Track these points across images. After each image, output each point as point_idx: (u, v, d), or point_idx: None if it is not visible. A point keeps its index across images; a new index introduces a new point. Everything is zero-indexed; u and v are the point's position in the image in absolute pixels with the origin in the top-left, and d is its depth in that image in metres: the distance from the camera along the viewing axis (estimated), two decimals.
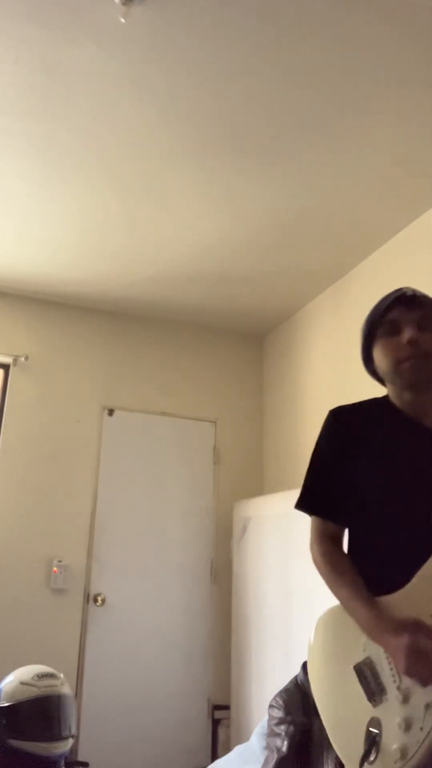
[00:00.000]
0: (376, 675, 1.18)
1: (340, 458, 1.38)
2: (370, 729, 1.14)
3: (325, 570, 1.32)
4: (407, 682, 1.13)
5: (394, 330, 1.33)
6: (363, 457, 1.34)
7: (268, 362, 4.54)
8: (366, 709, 1.16)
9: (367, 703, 1.17)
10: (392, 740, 1.10)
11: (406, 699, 1.12)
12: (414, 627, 1.11)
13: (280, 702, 2.12)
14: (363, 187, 2.85)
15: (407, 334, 1.30)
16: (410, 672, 1.10)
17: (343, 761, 1.19)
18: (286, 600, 3.19)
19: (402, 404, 1.36)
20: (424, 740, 1.07)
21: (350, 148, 2.60)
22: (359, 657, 1.21)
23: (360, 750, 1.14)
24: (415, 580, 1.18)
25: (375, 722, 1.14)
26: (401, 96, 2.33)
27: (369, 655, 1.20)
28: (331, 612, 1.32)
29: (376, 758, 1.11)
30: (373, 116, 2.43)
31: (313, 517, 1.40)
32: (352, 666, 1.21)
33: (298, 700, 2.09)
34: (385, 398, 1.41)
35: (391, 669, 1.16)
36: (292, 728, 2.00)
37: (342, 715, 1.21)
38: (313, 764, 1.89)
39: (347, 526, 1.38)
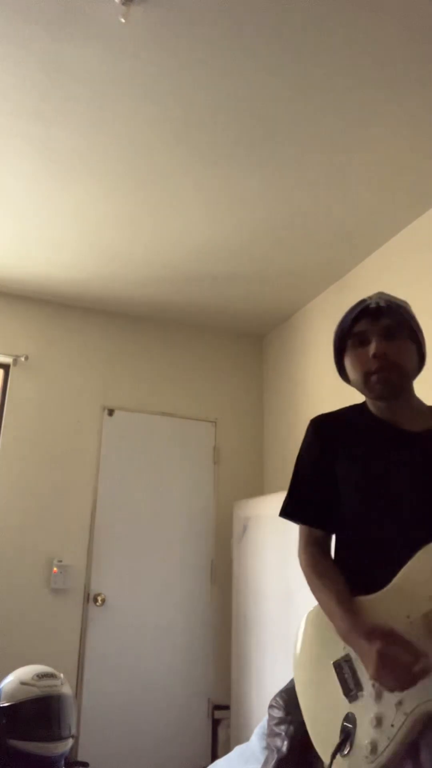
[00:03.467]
0: (353, 672, 1.21)
1: (320, 466, 1.41)
2: (345, 723, 1.18)
3: (308, 574, 1.37)
4: None
5: (362, 342, 1.35)
6: (342, 463, 1.37)
7: (267, 362, 4.54)
8: (342, 704, 1.21)
9: (344, 698, 1.21)
10: (365, 735, 1.15)
11: (379, 696, 1.16)
12: (386, 634, 1.14)
13: (280, 702, 2.12)
14: (363, 187, 2.85)
15: (373, 346, 1.32)
16: (378, 678, 1.13)
17: (318, 752, 1.23)
18: (286, 600, 3.19)
19: (376, 411, 1.39)
20: (394, 736, 1.11)
21: (350, 148, 2.60)
22: (339, 653, 1.25)
23: (335, 742, 1.18)
24: (394, 581, 1.20)
25: (350, 717, 1.18)
26: (401, 96, 2.33)
27: (348, 652, 1.23)
28: (318, 609, 1.36)
29: (350, 752, 1.16)
30: (374, 116, 2.43)
31: (299, 524, 1.45)
32: (331, 662, 1.26)
33: (298, 700, 2.09)
34: (363, 404, 1.45)
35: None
36: (292, 728, 2.00)
37: (320, 707, 1.26)
38: (313, 764, 1.89)
39: (332, 532, 1.42)
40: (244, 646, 3.56)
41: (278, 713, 2.10)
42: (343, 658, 1.24)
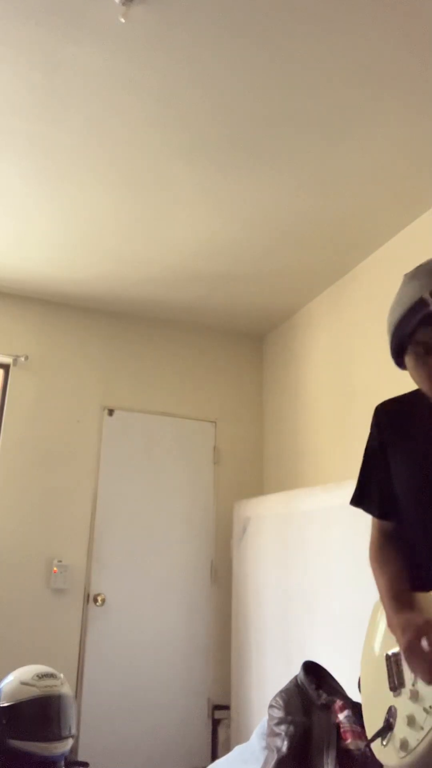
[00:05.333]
0: (399, 667, 1.23)
1: (378, 455, 1.39)
2: (387, 715, 1.21)
3: (371, 562, 1.37)
4: (420, 683, 1.17)
5: (427, 351, 1.22)
6: (395, 452, 1.34)
7: (268, 362, 4.54)
8: (388, 696, 1.24)
9: (389, 691, 1.24)
10: (399, 731, 1.18)
11: (414, 697, 1.17)
12: (419, 626, 1.14)
13: (280, 702, 2.12)
14: (363, 187, 2.85)
15: None
16: (411, 669, 1.14)
17: (367, 734, 1.27)
18: (285, 600, 3.19)
19: None
20: (423, 739, 1.12)
21: (350, 148, 2.60)
22: (393, 647, 1.26)
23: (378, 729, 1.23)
24: None
25: (392, 711, 1.21)
26: (401, 96, 2.33)
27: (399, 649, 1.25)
28: None
29: (388, 743, 1.19)
30: (373, 116, 2.43)
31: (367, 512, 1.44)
32: (385, 654, 1.28)
33: (298, 700, 2.09)
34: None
35: None
36: (292, 728, 2.00)
37: (373, 693, 1.30)
38: (313, 764, 1.89)
39: (395, 521, 1.39)
40: (244, 646, 3.56)
41: (278, 713, 2.10)
42: (395, 651, 1.25)
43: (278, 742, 2.02)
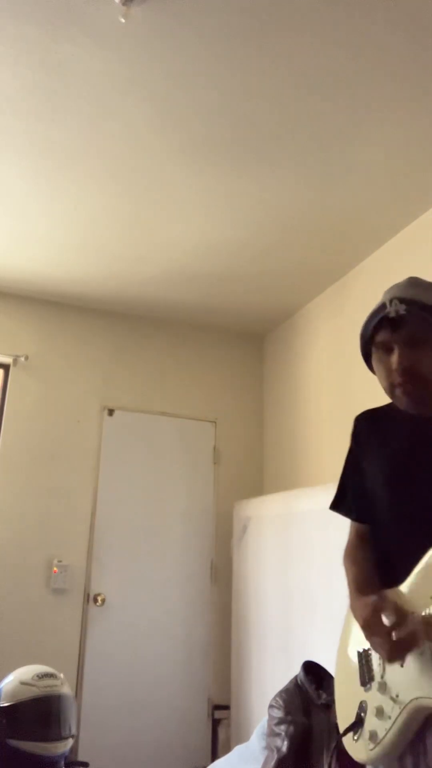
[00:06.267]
0: (369, 661, 1.27)
1: (355, 461, 1.46)
2: (359, 711, 1.25)
3: (344, 561, 1.44)
4: (388, 672, 1.21)
5: (385, 350, 1.30)
6: (371, 460, 1.40)
7: (268, 362, 4.54)
8: (359, 692, 1.28)
9: (360, 686, 1.28)
10: (369, 724, 1.22)
11: (382, 688, 1.21)
12: (375, 605, 1.18)
13: (280, 702, 2.12)
14: (363, 187, 2.85)
15: (395, 359, 1.26)
16: (372, 645, 1.20)
17: (340, 731, 1.31)
18: (286, 600, 3.19)
19: (404, 409, 1.37)
20: (390, 728, 1.17)
21: (350, 148, 2.60)
22: (365, 644, 1.29)
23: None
24: (412, 575, 1.21)
25: (363, 705, 1.25)
26: (402, 96, 2.32)
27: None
28: None
29: (359, 738, 1.23)
30: (373, 116, 2.43)
31: (344, 516, 1.52)
32: (357, 650, 1.32)
33: (298, 700, 2.10)
34: None
35: (380, 659, 1.24)
36: (292, 728, 2.00)
37: (346, 691, 1.34)
38: (312, 764, 1.90)
39: (371, 523, 1.44)
40: (244, 646, 3.56)
41: (278, 713, 2.10)
42: (365, 647, 1.29)
43: (278, 742, 2.02)
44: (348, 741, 1.26)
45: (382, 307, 1.30)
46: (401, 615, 1.13)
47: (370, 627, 1.17)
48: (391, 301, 1.28)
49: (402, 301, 1.27)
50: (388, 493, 1.33)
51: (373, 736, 1.19)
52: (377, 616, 1.16)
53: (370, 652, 1.27)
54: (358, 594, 1.29)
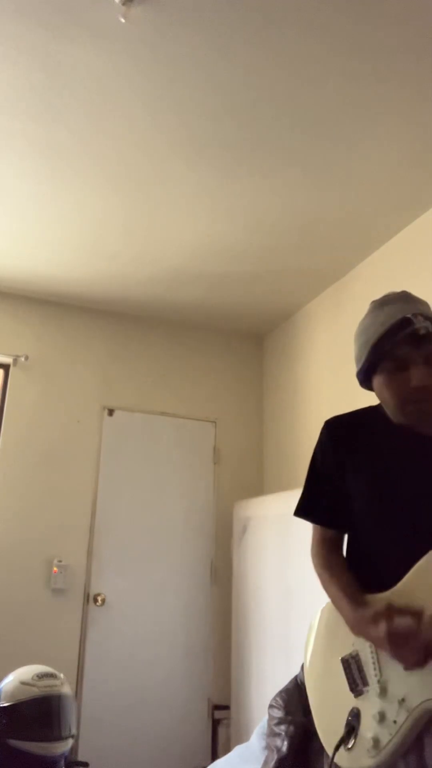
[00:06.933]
0: (360, 668, 1.23)
1: (332, 467, 1.42)
2: (349, 718, 1.21)
3: (319, 571, 1.39)
4: (386, 675, 1.18)
5: (400, 367, 1.27)
6: (356, 466, 1.37)
7: (268, 362, 4.54)
8: (348, 700, 1.23)
9: (350, 693, 1.23)
10: (368, 730, 1.17)
11: (383, 692, 1.18)
12: (387, 612, 1.15)
13: (280, 702, 2.12)
14: (363, 188, 2.85)
15: (415, 377, 1.24)
16: (398, 656, 1.15)
17: (324, 745, 1.26)
18: (286, 600, 3.19)
19: (396, 420, 1.35)
20: (396, 732, 1.13)
21: (351, 148, 2.60)
22: (347, 650, 1.27)
23: (339, 736, 1.22)
24: (405, 578, 1.21)
25: (354, 712, 1.21)
26: (402, 97, 2.33)
27: (356, 649, 1.25)
28: (325, 608, 1.38)
29: (353, 745, 1.19)
30: (373, 117, 2.43)
31: (312, 523, 1.47)
32: (339, 658, 1.28)
33: (298, 700, 2.09)
34: (379, 406, 1.41)
35: (374, 663, 1.21)
36: (292, 728, 2.00)
37: (327, 702, 1.29)
38: (313, 764, 1.89)
39: (344, 531, 1.43)
40: (244, 646, 3.56)
41: (278, 713, 2.10)
42: (350, 654, 1.26)
43: (278, 742, 2.02)
44: (340, 753, 1.20)
45: (406, 321, 1.26)
46: (422, 619, 1.11)
47: (395, 637, 1.13)
48: (415, 316, 1.26)
49: (426, 318, 1.26)
50: (375, 504, 1.32)
51: (376, 742, 1.15)
52: (395, 626, 1.12)
53: (359, 657, 1.23)
54: (356, 607, 1.24)
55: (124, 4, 1.95)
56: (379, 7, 1.97)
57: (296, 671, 2.27)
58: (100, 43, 2.13)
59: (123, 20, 2.01)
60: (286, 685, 2.20)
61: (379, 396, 1.37)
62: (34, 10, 2.02)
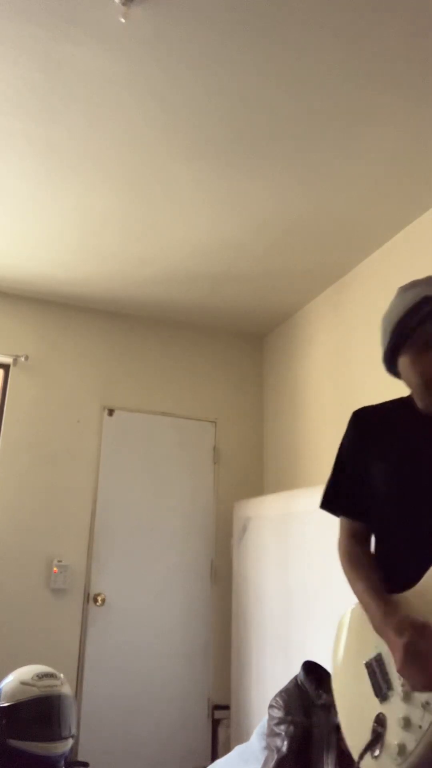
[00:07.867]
0: (384, 671, 1.19)
1: (359, 459, 1.40)
2: (375, 724, 1.16)
3: (345, 566, 1.36)
4: None
5: (426, 346, 1.26)
6: (380, 458, 1.35)
7: (268, 362, 4.54)
8: (374, 705, 1.19)
9: (375, 698, 1.19)
10: (393, 736, 1.13)
11: (407, 696, 1.13)
12: (418, 628, 1.11)
13: (280, 702, 2.12)
14: (363, 188, 2.85)
15: None
16: (404, 672, 1.11)
17: (351, 752, 1.21)
18: (286, 600, 3.19)
19: (425, 408, 1.33)
20: (421, 738, 1.08)
21: (350, 148, 2.60)
22: (371, 654, 1.23)
23: (366, 743, 1.17)
24: (428, 575, 1.18)
25: (380, 718, 1.16)
26: (401, 97, 2.33)
27: (380, 651, 1.22)
28: (354, 608, 1.35)
29: (380, 754, 1.14)
30: (373, 117, 2.43)
31: (338, 516, 1.44)
32: (363, 662, 1.24)
33: (298, 700, 2.09)
34: (409, 398, 1.39)
35: None
36: (292, 728, 2.00)
37: (353, 708, 1.25)
38: (313, 764, 1.90)
39: (371, 525, 1.40)
40: (244, 646, 3.56)
41: (278, 713, 2.10)
42: (374, 658, 1.22)
43: (278, 742, 2.02)
44: (367, 761, 1.16)
45: (426, 300, 1.25)
46: None
47: (412, 652, 1.09)
48: None
49: None
50: (401, 497, 1.29)
51: (402, 749, 1.10)
52: (421, 649, 1.08)
53: (383, 660, 1.20)
54: (386, 609, 1.19)
55: (124, 4, 1.95)
56: (379, 11, 1.97)
57: (296, 671, 2.27)
58: (100, 43, 2.13)
59: (123, 20, 2.01)
60: (286, 685, 2.20)
61: (404, 378, 1.34)
62: (34, 10, 2.02)
